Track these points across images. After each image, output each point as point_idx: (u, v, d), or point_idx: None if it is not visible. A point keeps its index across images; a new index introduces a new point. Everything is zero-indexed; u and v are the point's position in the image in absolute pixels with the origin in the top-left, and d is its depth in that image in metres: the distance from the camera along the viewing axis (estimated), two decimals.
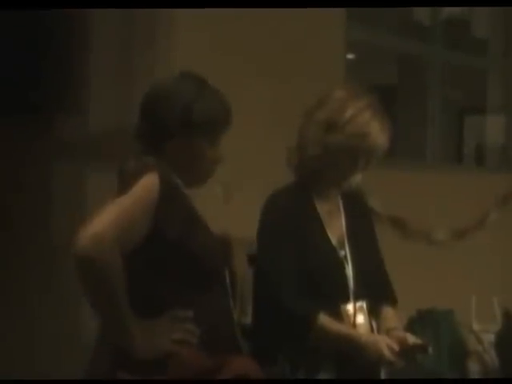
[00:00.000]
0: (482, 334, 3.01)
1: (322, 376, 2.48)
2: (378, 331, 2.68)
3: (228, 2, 3.74)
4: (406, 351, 2.52)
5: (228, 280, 2.35)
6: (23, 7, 3.61)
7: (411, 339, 2.58)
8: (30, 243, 3.92)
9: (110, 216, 2.09)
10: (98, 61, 3.83)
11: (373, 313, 2.69)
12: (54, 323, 3.85)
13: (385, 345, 2.50)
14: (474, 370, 2.94)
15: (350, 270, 2.64)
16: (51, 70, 3.84)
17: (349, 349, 2.51)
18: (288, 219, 2.61)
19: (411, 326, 3.24)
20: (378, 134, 2.61)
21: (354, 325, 2.61)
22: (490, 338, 2.92)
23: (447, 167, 5.69)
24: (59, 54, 3.82)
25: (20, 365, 3.80)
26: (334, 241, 2.67)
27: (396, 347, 2.51)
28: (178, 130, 2.27)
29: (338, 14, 4.56)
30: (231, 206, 3.72)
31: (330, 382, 2.49)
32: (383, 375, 2.61)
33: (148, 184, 2.17)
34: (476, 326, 3.11)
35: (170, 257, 2.20)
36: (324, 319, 2.53)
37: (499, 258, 5.25)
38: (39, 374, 3.70)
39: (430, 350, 2.54)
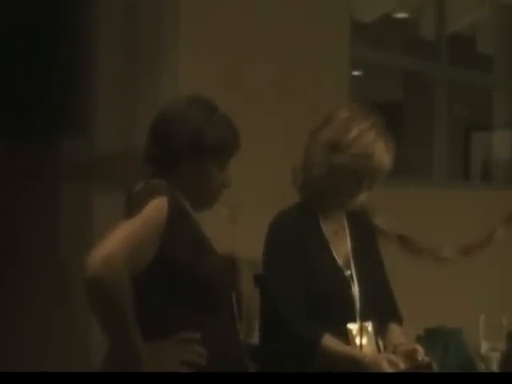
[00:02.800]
0: (490, 353, 2.99)
1: None
2: (385, 349, 2.67)
3: None
4: (410, 368, 2.51)
5: (235, 301, 2.35)
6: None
7: (421, 350, 2.57)
8: (39, 265, 3.92)
9: (119, 238, 2.10)
10: (103, 83, 3.84)
11: (379, 332, 2.69)
12: (63, 344, 3.85)
13: (386, 363, 2.49)
14: None
15: (355, 290, 2.64)
16: (57, 92, 3.85)
17: (353, 369, 2.50)
18: (293, 240, 2.61)
19: (419, 344, 3.22)
20: (382, 154, 2.62)
21: (361, 345, 2.60)
22: (498, 356, 2.91)
23: (454, 184, 5.68)
24: (64, 77, 3.84)
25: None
26: (339, 261, 2.67)
27: (401, 364, 2.50)
28: (188, 153, 2.29)
29: (343, 30, 4.57)
30: (237, 226, 3.72)
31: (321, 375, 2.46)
32: None
33: (157, 207, 2.18)
34: (484, 345, 3.10)
35: (178, 279, 2.20)
36: (329, 340, 2.53)
37: (507, 274, 5.23)
38: None
39: (435, 367, 2.53)
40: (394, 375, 2.45)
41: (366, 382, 2.33)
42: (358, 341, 2.60)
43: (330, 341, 2.53)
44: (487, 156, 6.43)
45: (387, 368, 2.48)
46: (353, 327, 2.61)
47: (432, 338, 3.40)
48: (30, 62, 3.89)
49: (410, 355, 2.56)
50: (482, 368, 2.90)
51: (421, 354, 2.56)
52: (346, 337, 2.58)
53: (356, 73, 5.32)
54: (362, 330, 2.61)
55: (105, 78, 3.83)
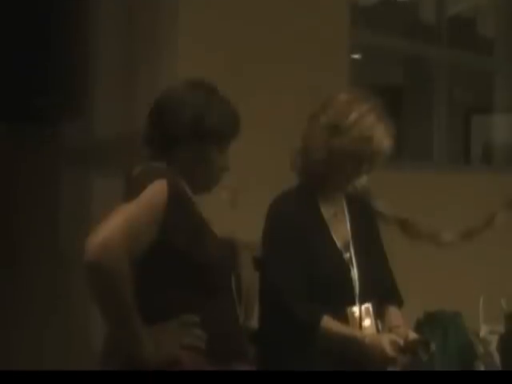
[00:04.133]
0: (489, 336, 3.00)
1: None
2: (383, 331, 2.68)
3: None
4: (408, 346, 2.51)
5: (234, 285, 2.35)
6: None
7: (413, 336, 2.58)
8: (37, 249, 3.92)
9: (118, 222, 2.10)
10: (102, 67, 3.83)
11: (379, 314, 2.70)
12: (63, 329, 3.85)
13: (387, 342, 2.50)
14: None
15: (355, 273, 2.65)
16: (56, 76, 3.84)
17: (354, 350, 2.51)
18: (293, 223, 2.61)
19: (419, 329, 3.23)
20: (382, 137, 2.62)
21: (360, 327, 2.62)
22: (497, 339, 2.92)
23: (454, 167, 5.67)
24: (64, 61, 3.83)
25: (26, 367, 3.80)
26: (339, 244, 2.67)
27: (401, 342, 2.51)
28: (188, 137, 2.28)
29: (343, 14, 4.56)
30: (237, 210, 3.73)
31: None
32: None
33: (156, 190, 2.18)
34: (484, 328, 3.11)
35: (177, 263, 2.20)
36: (329, 322, 2.54)
37: (507, 258, 5.23)
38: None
39: (433, 346, 2.54)
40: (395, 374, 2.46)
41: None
42: (358, 323, 2.60)
43: (329, 323, 2.54)
44: (488, 139, 6.42)
45: (388, 348, 2.49)
46: (353, 310, 2.62)
47: (431, 321, 3.41)
48: (29, 46, 3.87)
49: (403, 339, 2.56)
50: (480, 351, 2.91)
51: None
52: (346, 319, 2.59)
53: (356, 56, 5.30)
54: (362, 313, 2.61)
55: (103, 62, 3.83)
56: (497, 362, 2.80)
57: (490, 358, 2.78)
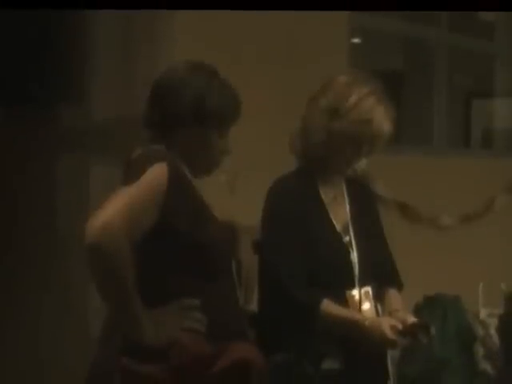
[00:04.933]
0: (488, 320, 3.01)
1: (327, 363, 2.49)
2: (383, 314, 2.68)
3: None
4: (408, 330, 2.52)
5: (234, 268, 2.35)
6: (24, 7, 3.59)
7: (412, 319, 2.58)
8: (36, 233, 3.93)
9: (118, 205, 2.09)
10: (100, 51, 3.82)
11: (378, 298, 2.70)
12: (61, 312, 3.86)
13: (387, 325, 2.50)
14: (480, 354, 2.95)
15: (354, 256, 2.64)
16: (54, 59, 3.83)
17: (354, 333, 2.51)
18: (292, 205, 2.61)
19: (418, 312, 3.24)
20: (382, 119, 2.61)
21: (360, 310, 2.61)
22: (495, 322, 2.93)
23: (454, 152, 5.67)
24: (62, 44, 3.82)
25: (25, 353, 3.82)
26: (338, 227, 2.66)
27: (399, 326, 2.51)
28: (188, 119, 2.27)
29: None
30: (237, 193, 3.73)
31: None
32: (389, 362, 2.62)
33: (157, 173, 2.17)
34: (483, 312, 3.11)
35: (178, 246, 2.20)
36: (328, 305, 2.54)
37: (507, 242, 5.23)
38: (44, 362, 3.72)
39: (433, 330, 2.54)
40: None
41: None
42: (357, 306, 2.60)
43: (329, 306, 2.53)
44: (488, 123, 6.41)
45: (388, 331, 2.49)
46: (352, 293, 2.61)
47: (431, 305, 3.42)
48: (27, 30, 3.86)
49: (403, 322, 2.56)
50: (480, 333, 2.92)
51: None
52: (346, 302, 2.59)
53: (355, 40, 5.28)
54: (361, 296, 2.61)
55: (102, 45, 3.81)
56: (496, 344, 2.81)
57: (489, 339, 2.79)
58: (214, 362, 2.10)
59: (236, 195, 3.70)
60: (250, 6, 3.53)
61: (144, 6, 3.29)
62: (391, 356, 2.68)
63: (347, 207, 2.71)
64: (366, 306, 2.64)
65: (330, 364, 2.49)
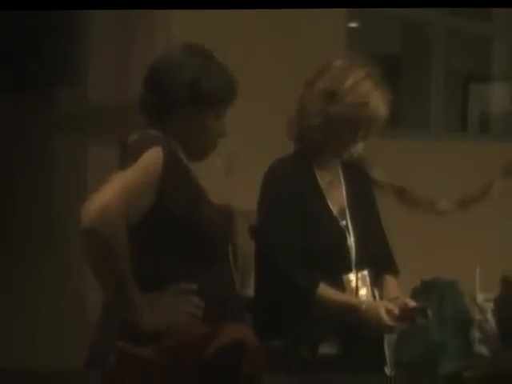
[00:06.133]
0: (485, 304, 3.00)
1: (324, 348, 2.49)
2: (380, 300, 2.68)
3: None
4: (405, 314, 2.52)
5: (231, 252, 2.35)
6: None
7: (411, 304, 2.58)
8: (31, 217, 3.92)
9: (114, 189, 2.09)
10: (96, 33, 3.81)
11: (375, 282, 2.70)
12: (56, 295, 3.86)
13: (384, 309, 2.50)
14: (476, 338, 2.95)
15: (351, 240, 2.64)
16: (50, 42, 3.82)
17: (350, 317, 2.51)
18: (288, 189, 2.60)
19: (415, 297, 3.23)
20: (378, 103, 2.60)
21: (357, 295, 2.62)
22: (492, 306, 2.92)
23: (452, 136, 5.66)
24: (58, 27, 3.80)
25: (21, 337, 3.82)
26: (334, 211, 2.66)
27: (396, 311, 2.51)
28: (184, 102, 2.26)
29: None
30: (233, 177, 3.72)
31: None
32: (386, 346, 2.62)
33: (153, 157, 2.16)
34: (480, 296, 3.11)
35: (174, 230, 2.20)
36: (325, 289, 2.54)
37: (505, 227, 5.23)
38: (41, 346, 3.72)
39: (430, 313, 2.55)
40: None
41: None
42: (354, 291, 2.60)
43: (326, 290, 2.54)
44: (485, 108, 6.40)
45: (384, 315, 2.49)
46: (349, 277, 2.61)
47: (428, 289, 3.41)
48: (23, 14, 3.85)
49: (402, 307, 2.56)
50: (477, 317, 2.92)
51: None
52: (343, 287, 2.59)
53: (353, 24, 5.26)
54: (358, 280, 2.61)
55: (98, 28, 3.80)
56: (493, 328, 2.81)
57: (487, 324, 2.79)
58: (211, 342, 2.09)
59: (232, 179, 3.70)
60: (248, 5, 3.53)
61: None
62: (388, 340, 2.68)
63: (344, 191, 2.71)
64: (363, 290, 2.64)
65: (326, 349, 2.49)
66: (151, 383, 1.81)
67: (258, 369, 1.82)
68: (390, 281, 2.75)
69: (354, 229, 2.65)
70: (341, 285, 2.59)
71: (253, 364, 1.84)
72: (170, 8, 3.52)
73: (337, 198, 2.68)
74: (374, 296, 2.68)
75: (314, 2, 3.92)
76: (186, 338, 2.03)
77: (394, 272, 2.78)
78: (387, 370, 2.65)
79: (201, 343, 1.98)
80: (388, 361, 2.67)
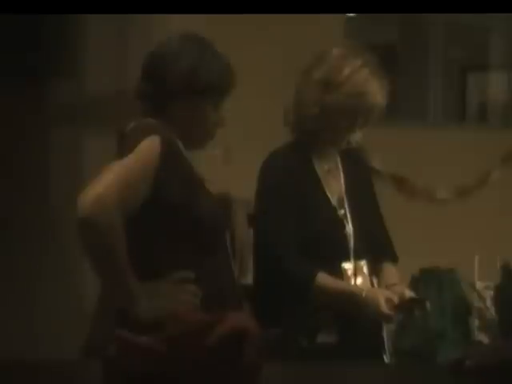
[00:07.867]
0: (484, 292, 3.01)
1: (323, 336, 2.49)
2: (378, 288, 2.68)
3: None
4: (404, 305, 2.52)
5: (229, 241, 2.35)
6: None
7: (409, 294, 2.58)
8: (29, 206, 3.92)
9: (111, 178, 2.08)
10: (94, 23, 3.80)
11: (373, 271, 2.69)
12: (54, 285, 3.86)
13: (382, 298, 2.50)
14: (475, 326, 2.96)
15: (349, 229, 2.64)
16: (47, 32, 3.81)
17: (349, 305, 2.51)
18: (286, 179, 2.60)
19: (414, 285, 3.24)
20: (375, 92, 2.59)
21: (355, 283, 2.61)
22: (491, 294, 2.93)
23: (450, 125, 5.66)
24: (55, 18, 3.79)
25: (19, 326, 3.82)
26: (333, 200, 2.66)
27: (395, 300, 2.51)
28: (182, 92, 2.26)
29: None
30: (231, 166, 3.72)
31: None
32: (385, 334, 2.63)
33: (149, 146, 2.16)
34: (479, 284, 3.12)
35: (172, 219, 2.19)
36: (324, 277, 2.53)
37: (503, 215, 5.23)
38: (38, 335, 3.72)
39: (428, 305, 2.55)
40: None
41: None
42: (352, 279, 2.60)
43: (324, 278, 2.53)
44: (484, 97, 6.39)
45: (383, 304, 2.49)
46: (347, 266, 2.61)
47: (427, 277, 3.42)
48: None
49: (399, 296, 2.56)
50: (475, 304, 2.93)
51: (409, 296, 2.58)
52: (341, 275, 2.59)
53: (351, 14, 5.24)
54: (356, 269, 2.61)
55: (96, 18, 3.79)
56: (492, 316, 2.82)
57: (486, 311, 2.80)
58: (211, 330, 2.09)
59: (230, 168, 3.70)
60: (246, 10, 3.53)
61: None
62: (387, 328, 2.69)
63: (342, 180, 2.70)
64: (361, 279, 2.63)
65: (325, 337, 2.50)
66: (152, 372, 1.81)
67: (260, 357, 1.82)
68: (388, 269, 2.75)
69: (352, 218, 2.65)
70: (339, 273, 2.59)
71: (254, 352, 1.84)
72: (168, 13, 3.51)
73: (335, 187, 2.68)
74: (372, 285, 2.68)
75: (313, 8, 3.93)
76: (187, 327, 2.04)
77: (393, 260, 2.78)
78: (386, 358, 2.65)
79: (202, 332, 1.98)
80: (387, 349, 2.68)
